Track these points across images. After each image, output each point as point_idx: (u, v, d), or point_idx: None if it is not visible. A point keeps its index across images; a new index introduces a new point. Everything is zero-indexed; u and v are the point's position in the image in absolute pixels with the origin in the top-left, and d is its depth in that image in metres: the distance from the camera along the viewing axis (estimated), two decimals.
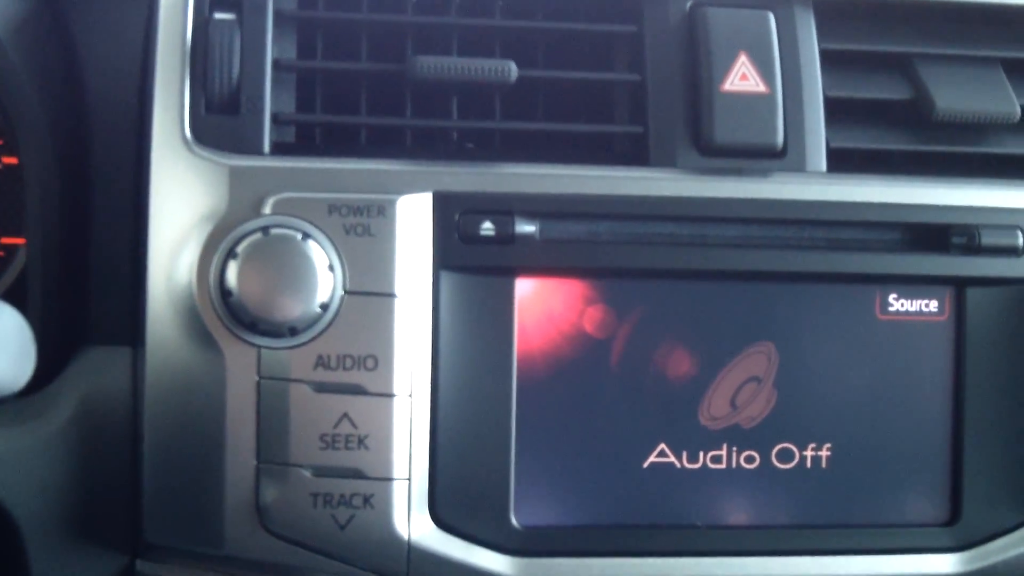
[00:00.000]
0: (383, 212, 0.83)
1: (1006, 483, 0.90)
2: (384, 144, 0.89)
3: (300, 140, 0.89)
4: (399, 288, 0.83)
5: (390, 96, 0.91)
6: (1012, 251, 0.89)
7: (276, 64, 0.87)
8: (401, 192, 0.84)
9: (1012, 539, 0.91)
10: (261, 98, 0.86)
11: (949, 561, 0.91)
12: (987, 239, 0.89)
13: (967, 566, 0.90)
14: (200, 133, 0.85)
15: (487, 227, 0.84)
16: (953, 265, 0.89)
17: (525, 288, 0.86)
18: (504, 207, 0.85)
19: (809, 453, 0.89)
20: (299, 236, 0.80)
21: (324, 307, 0.81)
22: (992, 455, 0.90)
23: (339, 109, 0.90)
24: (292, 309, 0.80)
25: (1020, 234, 0.90)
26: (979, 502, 0.90)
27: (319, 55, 0.90)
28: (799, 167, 0.90)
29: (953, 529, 0.90)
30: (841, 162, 0.91)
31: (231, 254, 0.81)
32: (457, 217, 0.84)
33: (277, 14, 0.87)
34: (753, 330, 0.88)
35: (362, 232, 0.82)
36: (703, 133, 0.89)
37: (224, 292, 0.81)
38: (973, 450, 0.90)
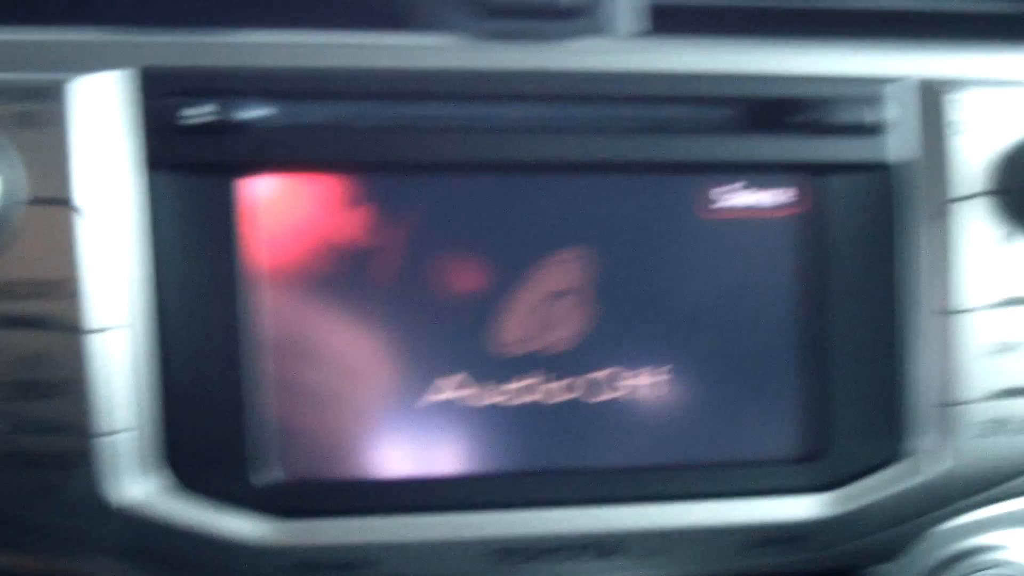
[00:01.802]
0: (63, 97, 0.65)
1: (876, 410, 0.74)
2: (80, 12, 0.72)
3: None
4: (90, 195, 0.66)
5: None
6: (872, 130, 0.73)
7: None
8: (90, 70, 0.66)
9: (881, 478, 0.75)
10: None
11: (811, 503, 0.75)
12: (841, 115, 0.73)
13: (832, 508, 0.75)
14: None
15: (207, 112, 0.67)
16: (799, 149, 0.73)
17: (260, 188, 0.69)
18: (228, 86, 0.68)
19: (633, 382, 0.73)
20: None
21: None
22: (860, 377, 0.74)
23: None
24: None
25: (882, 109, 0.73)
26: (845, 434, 0.75)
27: None
28: (607, 29, 0.74)
29: (815, 466, 0.75)
30: (663, 23, 0.75)
31: None
32: (167, 100, 0.67)
33: None
34: (559, 234, 0.72)
35: (34, 123, 0.65)
36: None
37: None
38: (839, 371, 0.74)
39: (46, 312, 0.66)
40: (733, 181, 0.74)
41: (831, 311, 0.74)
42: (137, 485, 0.68)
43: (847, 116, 0.73)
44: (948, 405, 0.75)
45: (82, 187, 0.66)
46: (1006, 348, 0.75)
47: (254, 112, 0.68)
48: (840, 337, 0.74)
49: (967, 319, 0.74)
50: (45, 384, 0.66)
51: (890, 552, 0.77)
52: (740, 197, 0.74)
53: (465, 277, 0.71)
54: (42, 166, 0.65)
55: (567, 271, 0.72)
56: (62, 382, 0.66)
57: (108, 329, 0.66)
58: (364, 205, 0.70)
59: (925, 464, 0.75)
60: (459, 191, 0.71)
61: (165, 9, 0.73)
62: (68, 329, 0.66)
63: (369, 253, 0.70)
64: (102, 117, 0.66)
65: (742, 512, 0.74)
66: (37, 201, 0.65)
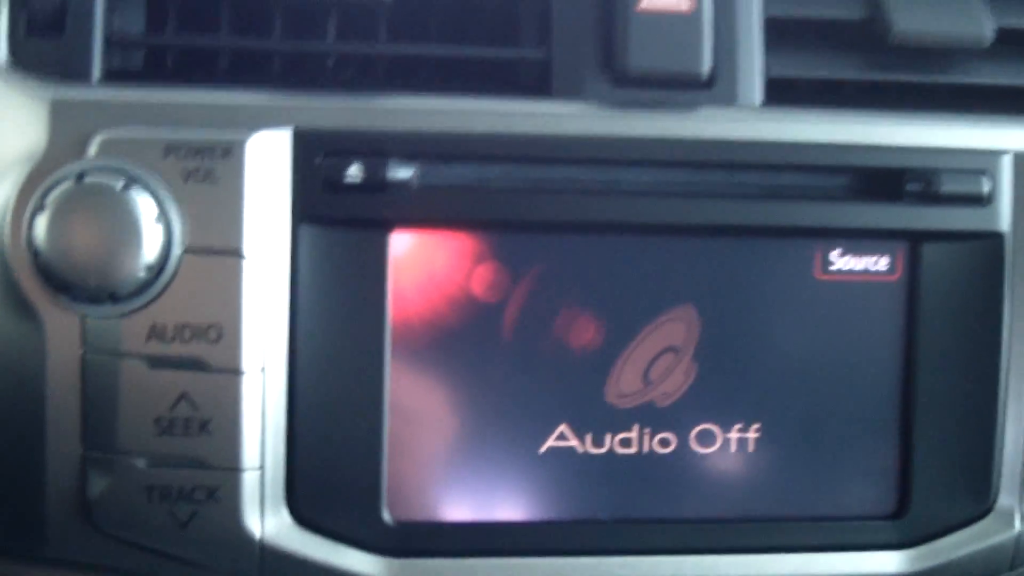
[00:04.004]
0: (229, 154, 0.70)
1: (959, 471, 0.79)
2: (249, 73, 0.76)
3: (150, 67, 0.76)
4: (248, 245, 0.70)
5: (262, 17, 0.77)
6: (976, 200, 0.77)
7: None
8: (253, 129, 0.71)
9: (965, 535, 0.79)
10: (90, 16, 0.73)
11: (895, 559, 0.80)
12: (947, 186, 0.76)
13: (915, 565, 0.79)
14: (19, 58, 0.73)
15: (355, 171, 0.71)
16: (907, 216, 0.77)
17: (401, 243, 0.74)
18: (375, 147, 0.72)
19: (734, 436, 0.77)
20: (119, 184, 0.67)
21: (154, 268, 0.68)
22: (944, 439, 0.78)
23: (200, 31, 0.76)
24: (110, 271, 0.68)
25: (986, 180, 0.76)
26: (929, 492, 0.79)
27: None
28: (729, 100, 0.77)
29: (900, 523, 0.79)
30: (780, 94, 0.79)
31: (40, 205, 0.67)
32: (319, 159, 0.71)
33: None
34: (670, 293, 0.76)
35: (204, 178, 0.70)
36: (615, 59, 0.76)
37: (34, 250, 0.68)
38: (923, 432, 0.78)
39: (199, 353, 0.70)
40: (845, 247, 0.77)
41: (921, 373, 0.78)
42: (269, 519, 0.73)
43: (957, 186, 0.77)
44: None
45: (242, 237, 0.70)
46: None
47: (395, 173, 0.72)
48: (928, 398, 0.78)
49: None
50: (192, 421, 0.71)
51: None
52: (849, 262, 0.78)
53: (585, 331, 0.76)
54: (205, 217, 0.70)
55: (678, 329, 0.77)
56: (208, 419, 0.71)
57: (250, 371, 0.71)
58: (494, 262, 0.75)
59: (1007, 524, 0.79)
60: (581, 251, 0.75)
61: (329, 77, 0.77)
62: (220, 370, 0.70)
63: (497, 307, 0.75)
64: (262, 173, 0.70)
65: (827, 566, 0.79)
66: (196, 250, 0.70)
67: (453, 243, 0.74)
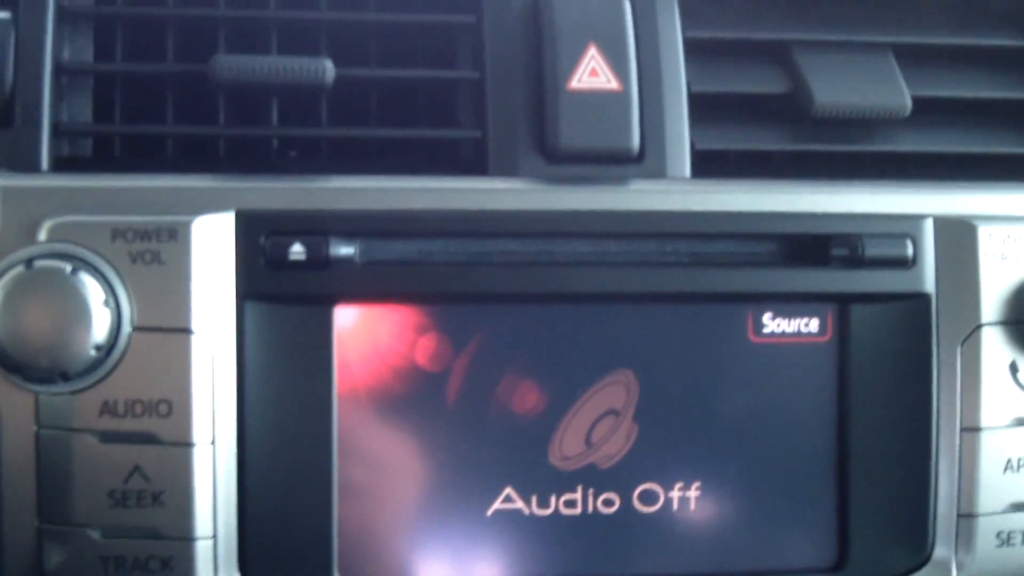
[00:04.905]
0: (175, 236, 0.73)
1: (896, 523, 0.81)
2: (196, 158, 0.79)
3: (99, 154, 0.79)
4: (196, 322, 0.73)
5: (207, 103, 0.80)
6: (900, 263, 0.80)
7: (61, 68, 0.77)
8: (198, 212, 0.74)
9: None
10: (38, 106, 0.76)
11: None
12: (872, 250, 0.79)
13: None
14: None
15: (297, 250, 0.74)
16: (834, 280, 0.80)
17: (345, 318, 0.76)
18: (316, 227, 0.75)
19: (676, 494, 0.80)
20: (67, 268, 0.70)
21: (104, 347, 0.71)
22: (880, 490, 0.81)
23: (147, 118, 0.80)
24: (61, 352, 0.70)
25: (910, 244, 0.80)
26: (867, 545, 0.81)
27: (119, 57, 0.80)
28: (659, 173, 0.81)
29: (839, 575, 0.81)
30: (709, 166, 0.82)
31: None
32: (263, 239, 0.74)
33: (61, 11, 0.78)
34: (609, 358, 0.79)
35: (151, 260, 0.72)
36: (548, 137, 0.79)
37: None
38: (859, 485, 0.81)
39: (150, 428, 0.73)
40: (776, 310, 0.80)
41: (854, 429, 0.81)
42: None
43: (882, 250, 0.79)
44: (967, 516, 0.81)
45: (190, 315, 0.73)
46: (1020, 464, 0.81)
47: (337, 250, 0.75)
48: (862, 453, 0.81)
49: (985, 436, 0.81)
50: (145, 493, 0.73)
51: None
52: (781, 325, 0.81)
53: (527, 397, 0.78)
54: (153, 297, 0.72)
55: (617, 393, 0.79)
56: (161, 491, 0.73)
57: (200, 443, 0.73)
58: (437, 333, 0.77)
59: (944, 574, 0.81)
60: (521, 320, 0.78)
61: (273, 160, 0.80)
62: (171, 443, 0.73)
63: (441, 377, 0.77)
64: (208, 254, 0.73)
65: None
66: (145, 328, 0.73)
67: (396, 316, 0.77)
